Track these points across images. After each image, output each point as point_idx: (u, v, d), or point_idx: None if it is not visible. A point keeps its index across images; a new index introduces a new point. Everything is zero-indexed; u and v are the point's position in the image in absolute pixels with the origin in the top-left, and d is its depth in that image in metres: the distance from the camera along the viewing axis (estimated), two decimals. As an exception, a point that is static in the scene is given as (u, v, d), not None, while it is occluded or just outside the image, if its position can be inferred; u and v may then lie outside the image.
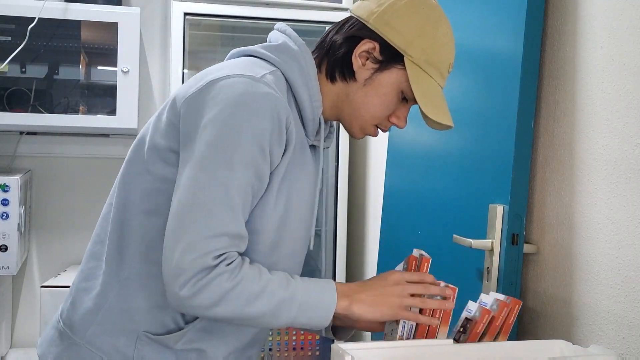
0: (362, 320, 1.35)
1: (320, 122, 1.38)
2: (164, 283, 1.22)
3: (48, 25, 2.66)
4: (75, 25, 2.71)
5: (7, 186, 2.59)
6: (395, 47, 1.32)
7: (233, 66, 1.30)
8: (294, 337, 2.85)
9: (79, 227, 3.12)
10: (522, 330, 1.73)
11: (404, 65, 1.33)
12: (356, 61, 1.34)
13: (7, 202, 2.60)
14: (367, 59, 1.34)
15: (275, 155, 1.26)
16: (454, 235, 1.78)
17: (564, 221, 1.63)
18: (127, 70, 2.70)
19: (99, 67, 2.84)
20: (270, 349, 2.83)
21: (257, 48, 1.37)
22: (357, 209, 3.15)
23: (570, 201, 1.61)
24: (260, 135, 1.22)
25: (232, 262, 1.22)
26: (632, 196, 1.43)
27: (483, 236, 1.71)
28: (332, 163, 3.07)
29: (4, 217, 2.60)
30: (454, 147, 1.97)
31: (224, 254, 1.21)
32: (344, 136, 3.05)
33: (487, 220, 1.70)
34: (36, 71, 2.74)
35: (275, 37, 1.40)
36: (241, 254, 1.26)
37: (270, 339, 2.84)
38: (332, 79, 1.37)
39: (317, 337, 2.89)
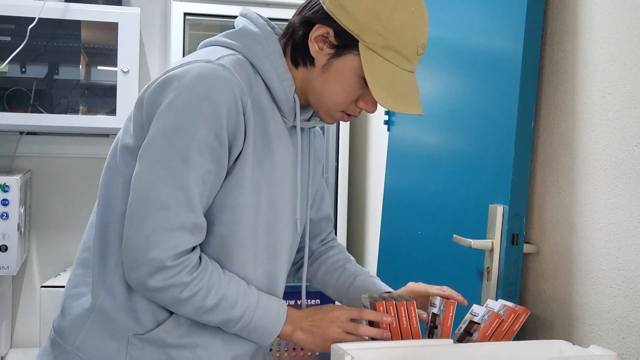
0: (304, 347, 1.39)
1: (295, 100, 1.35)
2: (125, 269, 1.24)
3: (48, 25, 2.66)
4: (75, 25, 2.71)
5: (7, 186, 2.59)
6: (349, 32, 1.27)
7: (193, 56, 1.29)
8: (294, 337, 2.85)
9: (79, 227, 3.11)
10: (522, 330, 1.73)
11: (359, 50, 1.27)
12: (312, 46, 1.30)
13: (7, 202, 2.60)
14: (325, 44, 1.29)
15: (236, 137, 1.25)
16: (454, 235, 1.78)
17: (564, 221, 1.63)
18: (127, 70, 2.70)
19: (99, 67, 2.84)
20: (270, 349, 2.83)
21: (219, 37, 1.36)
22: (357, 209, 3.15)
23: (570, 201, 1.61)
24: (215, 120, 1.21)
25: (193, 270, 1.23)
26: (632, 196, 1.43)
27: (483, 236, 1.71)
28: (332, 163, 3.07)
29: (4, 217, 2.60)
30: (454, 147, 1.97)
31: (183, 254, 1.21)
32: (344, 136, 3.05)
33: (487, 220, 1.70)
34: (36, 71, 2.74)
35: (237, 22, 1.38)
36: (225, 245, 1.28)
37: (270, 339, 2.84)
38: (295, 64, 1.34)
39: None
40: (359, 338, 1.34)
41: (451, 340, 1.35)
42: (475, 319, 1.40)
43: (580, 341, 1.54)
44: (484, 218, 1.71)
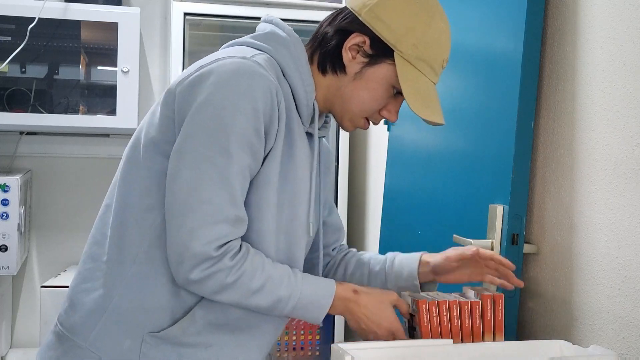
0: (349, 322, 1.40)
1: (314, 108, 1.38)
2: (171, 267, 1.25)
3: (48, 25, 2.66)
4: (75, 25, 2.71)
5: (7, 186, 2.59)
6: (385, 42, 1.32)
7: (224, 52, 1.31)
8: (294, 337, 2.85)
9: (79, 227, 3.11)
10: (522, 330, 1.73)
11: (394, 60, 1.32)
12: (346, 54, 1.33)
13: (7, 202, 2.60)
14: (358, 53, 1.33)
15: (270, 133, 1.26)
16: (454, 235, 1.78)
17: (564, 221, 1.63)
18: (127, 70, 2.70)
19: (99, 67, 2.84)
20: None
21: (246, 38, 1.37)
22: (357, 209, 3.15)
23: (570, 201, 1.61)
24: (254, 115, 1.22)
25: (235, 255, 1.24)
26: (632, 196, 1.43)
27: (483, 236, 1.71)
28: (332, 163, 3.07)
29: (4, 217, 2.60)
30: (454, 147, 1.97)
31: (225, 244, 1.22)
32: (343, 135, 3.05)
33: (487, 220, 1.70)
34: (36, 71, 2.74)
35: (263, 27, 1.39)
36: (248, 242, 1.28)
37: (270, 339, 2.83)
38: (323, 71, 1.37)
39: (317, 337, 2.89)
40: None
41: (451, 340, 1.35)
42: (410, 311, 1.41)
43: (580, 341, 1.54)
44: (484, 218, 1.71)
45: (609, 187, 1.49)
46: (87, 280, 1.36)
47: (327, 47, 1.36)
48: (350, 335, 3.05)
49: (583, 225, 1.57)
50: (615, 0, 1.49)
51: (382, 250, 2.41)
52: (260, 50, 1.33)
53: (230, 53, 1.29)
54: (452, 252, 1.51)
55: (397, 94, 1.36)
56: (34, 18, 2.59)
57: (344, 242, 1.68)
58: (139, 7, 2.86)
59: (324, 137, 1.50)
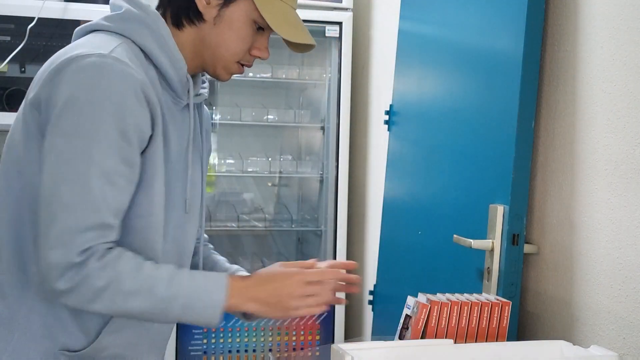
0: (256, 317, 1.34)
1: (188, 80, 1.32)
2: (40, 278, 1.18)
3: (48, 25, 2.66)
4: (75, 25, 2.69)
5: (6, 186, 2.59)
6: None
7: (80, 46, 1.24)
8: (294, 337, 2.85)
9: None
10: (523, 331, 1.73)
11: None
12: (199, 1, 1.29)
13: (6, 202, 2.59)
14: None
15: (145, 133, 1.21)
16: (455, 236, 1.78)
17: (564, 221, 1.63)
18: (126, 70, 2.70)
19: (98, 67, 2.84)
20: (270, 349, 2.83)
21: (100, 21, 1.31)
22: (357, 209, 3.15)
23: (571, 201, 1.61)
24: (118, 118, 1.17)
25: (102, 257, 1.17)
26: (632, 196, 1.43)
27: (483, 236, 1.70)
28: (332, 163, 3.07)
29: (3, 217, 2.59)
30: (455, 147, 1.97)
31: (89, 248, 1.16)
32: (344, 136, 3.05)
33: (487, 220, 1.70)
34: (36, 71, 2.69)
35: (117, 4, 1.32)
36: (129, 244, 1.22)
37: (271, 339, 2.84)
38: (179, 26, 1.32)
39: (317, 337, 2.89)
40: (322, 299, 1.27)
41: (451, 340, 1.35)
42: (409, 312, 1.40)
43: (581, 341, 1.54)
44: (484, 218, 1.71)
45: (609, 187, 1.49)
46: None
47: (177, 1, 1.31)
48: (351, 335, 3.05)
49: (583, 225, 1.57)
50: (616, 0, 1.49)
51: (383, 250, 2.41)
52: (120, 35, 1.27)
53: (87, 45, 1.23)
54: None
55: (260, 29, 1.32)
56: (34, 18, 2.59)
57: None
58: (138, 7, 2.86)
59: (204, 100, 1.43)
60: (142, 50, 1.27)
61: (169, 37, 1.29)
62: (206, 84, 1.44)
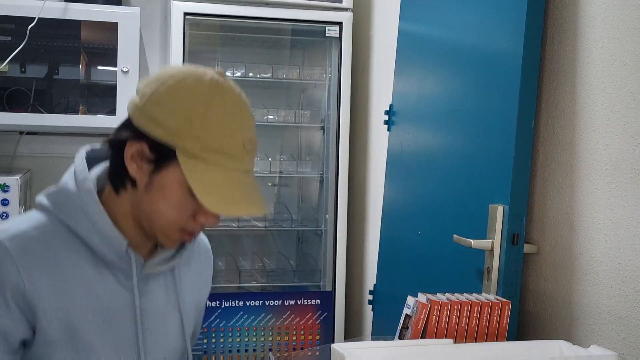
0: None
1: (129, 254, 1.24)
2: None
3: (48, 25, 2.66)
4: (75, 25, 2.71)
5: (7, 186, 2.59)
6: (164, 143, 1.16)
7: (9, 222, 1.26)
8: (294, 337, 2.85)
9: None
10: (522, 330, 1.73)
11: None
12: (130, 166, 1.19)
13: (7, 202, 2.60)
14: (143, 161, 1.18)
15: (11, 335, 1.19)
16: (454, 235, 1.78)
17: (564, 221, 1.63)
18: (127, 70, 2.70)
19: (99, 67, 2.84)
20: (270, 349, 2.83)
21: (43, 200, 1.27)
22: (357, 209, 3.15)
23: (571, 201, 1.61)
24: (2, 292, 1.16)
25: None
26: (632, 196, 1.43)
27: (483, 236, 1.70)
28: (332, 163, 3.07)
29: (3, 217, 2.59)
30: (454, 147, 1.97)
31: None
32: (344, 136, 3.05)
33: (487, 220, 1.70)
34: (36, 71, 2.74)
35: (64, 178, 1.28)
36: None
37: (271, 339, 2.84)
38: (118, 192, 1.24)
39: (317, 337, 2.89)
40: None
41: (451, 340, 1.35)
42: (408, 312, 1.40)
43: (581, 341, 1.54)
44: (484, 218, 1.71)
45: (609, 187, 1.49)
46: None
47: (113, 165, 1.24)
48: (351, 335, 3.05)
49: (583, 225, 1.57)
50: (615, 0, 1.49)
51: (383, 250, 2.41)
52: (52, 214, 1.24)
53: (9, 225, 1.24)
54: None
55: None
56: (34, 18, 2.59)
57: None
58: (139, 7, 2.86)
59: (178, 265, 1.34)
60: (73, 231, 1.23)
61: (100, 216, 1.22)
62: (186, 247, 1.33)
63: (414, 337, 1.36)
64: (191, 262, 1.40)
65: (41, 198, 1.27)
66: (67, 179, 1.27)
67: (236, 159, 1.19)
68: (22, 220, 1.25)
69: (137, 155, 1.18)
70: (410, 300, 1.42)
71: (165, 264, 1.31)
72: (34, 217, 1.25)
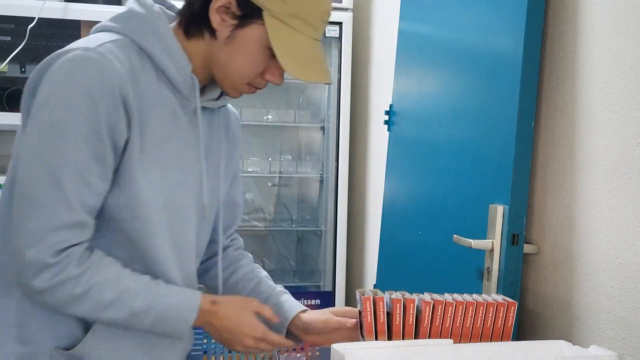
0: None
1: (194, 81, 1.29)
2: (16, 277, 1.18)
3: (48, 25, 2.66)
4: (75, 25, 2.71)
5: (7, 186, 2.59)
6: (252, 0, 1.22)
7: (75, 43, 1.24)
8: (294, 337, 2.85)
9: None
10: (522, 331, 1.73)
11: (264, 19, 1.23)
12: (214, 17, 1.24)
13: (7, 202, 2.60)
14: (227, 14, 1.24)
15: (119, 132, 1.19)
16: (454, 236, 1.78)
17: (564, 221, 1.63)
18: (127, 70, 2.70)
19: (98, 67, 2.84)
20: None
21: (107, 21, 1.30)
22: (357, 209, 3.15)
23: (571, 201, 1.61)
24: (92, 116, 1.16)
25: (81, 263, 1.18)
26: (632, 196, 1.43)
27: (483, 236, 1.70)
28: (332, 163, 3.07)
29: (3, 217, 2.59)
30: (454, 147, 1.97)
31: (65, 249, 1.17)
32: (344, 136, 3.05)
33: (487, 220, 1.70)
34: (36, 71, 2.74)
35: (126, 4, 1.32)
36: (133, 243, 1.23)
37: (270, 339, 2.83)
38: (188, 35, 1.28)
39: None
40: (271, 346, 1.35)
41: (451, 340, 1.35)
42: (359, 307, 1.39)
43: (581, 341, 1.54)
44: (484, 218, 1.71)
45: (609, 187, 1.49)
46: None
47: (192, 11, 1.27)
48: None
49: (583, 225, 1.57)
50: (615, 0, 1.49)
51: (383, 250, 2.41)
52: (120, 34, 1.25)
53: (81, 42, 1.22)
54: (333, 319, 1.43)
55: (274, 55, 1.26)
56: (34, 18, 2.59)
57: (236, 229, 1.58)
58: (138, 7, 2.86)
59: (223, 106, 1.41)
60: (142, 49, 1.25)
61: (172, 37, 1.26)
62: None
63: (368, 331, 1.34)
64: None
65: (105, 22, 1.30)
66: (132, 4, 1.30)
67: (313, 29, 1.26)
68: (99, 39, 1.23)
69: (223, 9, 1.23)
70: (357, 294, 1.39)
71: (216, 102, 1.37)
72: (108, 37, 1.25)
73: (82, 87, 1.16)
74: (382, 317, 1.34)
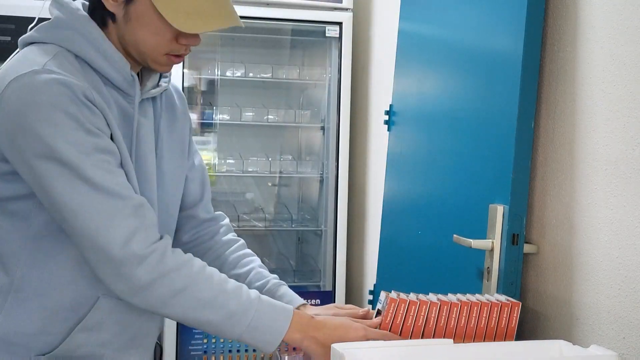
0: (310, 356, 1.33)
1: (134, 77, 1.30)
2: (110, 285, 1.19)
3: (48, 25, 2.66)
4: (75, 25, 2.71)
5: (7, 186, 2.59)
6: None
7: (14, 64, 1.26)
8: (294, 337, 2.85)
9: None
10: (522, 330, 1.73)
11: None
12: (106, 2, 1.26)
13: (7, 202, 2.59)
14: None
15: (105, 129, 1.23)
16: (454, 235, 1.78)
17: (564, 221, 1.63)
18: (127, 70, 2.70)
19: (99, 67, 2.84)
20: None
21: (34, 33, 1.32)
22: (357, 209, 3.15)
23: (571, 201, 1.61)
24: (78, 122, 1.18)
25: (177, 258, 1.20)
26: (632, 196, 1.43)
27: (483, 236, 1.70)
28: (332, 163, 3.07)
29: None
30: (454, 147, 1.97)
31: (152, 244, 1.18)
32: (344, 136, 3.05)
33: (487, 220, 1.70)
34: (36, 71, 2.73)
35: (50, 11, 1.34)
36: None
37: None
38: (103, 26, 1.29)
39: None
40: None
41: (451, 340, 1.35)
42: (380, 306, 1.40)
43: (581, 341, 1.54)
44: (484, 218, 1.71)
45: (609, 187, 1.49)
46: None
47: (92, 4, 1.29)
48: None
49: (583, 225, 1.57)
50: (615, 0, 1.49)
51: (383, 250, 2.41)
52: (54, 44, 1.27)
53: (22, 66, 1.23)
54: (342, 312, 1.44)
55: None
56: (34, 18, 2.59)
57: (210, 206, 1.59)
58: (139, 7, 2.86)
59: (165, 90, 1.41)
60: (78, 57, 1.26)
61: (103, 39, 1.27)
62: (168, 73, 1.40)
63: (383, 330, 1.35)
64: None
65: (32, 34, 1.31)
66: (55, 12, 1.31)
67: None
68: (37, 57, 1.24)
69: None
70: (382, 295, 1.41)
71: (156, 88, 1.37)
72: (42, 51, 1.26)
73: (55, 107, 1.17)
74: (410, 320, 1.35)
